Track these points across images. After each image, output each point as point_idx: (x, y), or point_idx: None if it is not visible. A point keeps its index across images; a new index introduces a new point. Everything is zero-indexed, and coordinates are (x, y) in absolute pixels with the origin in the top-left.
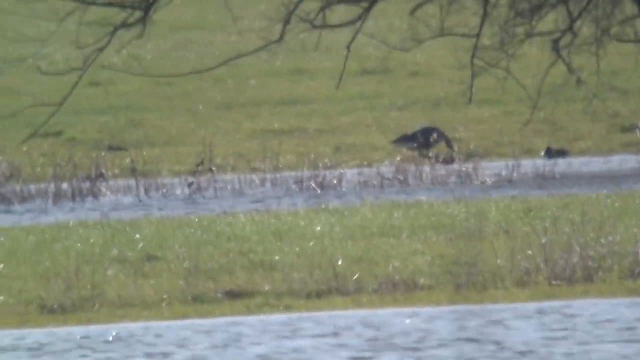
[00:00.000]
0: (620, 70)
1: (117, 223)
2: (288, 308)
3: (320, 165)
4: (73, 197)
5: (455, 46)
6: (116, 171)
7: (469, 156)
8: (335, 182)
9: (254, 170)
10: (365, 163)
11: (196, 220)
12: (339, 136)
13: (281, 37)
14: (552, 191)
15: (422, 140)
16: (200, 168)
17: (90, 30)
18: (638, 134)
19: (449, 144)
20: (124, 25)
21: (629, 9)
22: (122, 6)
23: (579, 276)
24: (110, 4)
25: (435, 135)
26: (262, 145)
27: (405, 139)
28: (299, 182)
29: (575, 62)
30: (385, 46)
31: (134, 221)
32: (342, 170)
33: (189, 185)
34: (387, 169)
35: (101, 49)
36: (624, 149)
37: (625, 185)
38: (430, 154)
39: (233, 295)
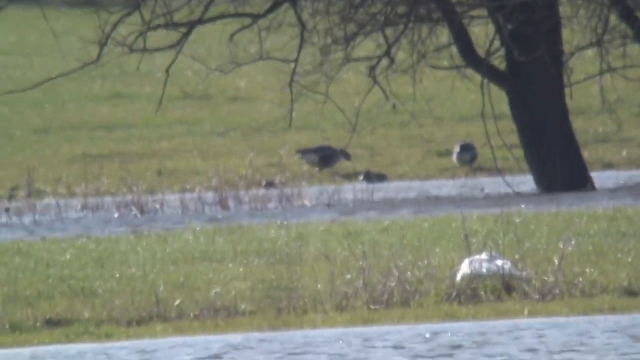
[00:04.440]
0: (435, 97)
1: None
2: (109, 336)
3: (141, 189)
4: None
5: (275, 72)
6: None
7: (290, 180)
8: (157, 206)
9: (74, 195)
10: (187, 187)
11: (14, 246)
12: (159, 161)
13: (97, 59)
14: (372, 215)
15: (321, 157)
16: (15, 193)
17: None
18: (454, 158)
19: (346, 156)
20: None
21: (444, 36)
22: None
23: (396, 300)
24: None
25: (335, 153)
26: (82, 170)
27: (307, 152)
28: (120, 207)
29: (392, 88)
30: (205, 69)
31: None
32: (163, 195)
33: (6, 211)
34: (209, 194)
35: None
36: (440, 174)
37: (442, 210)
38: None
39: (52, 323)
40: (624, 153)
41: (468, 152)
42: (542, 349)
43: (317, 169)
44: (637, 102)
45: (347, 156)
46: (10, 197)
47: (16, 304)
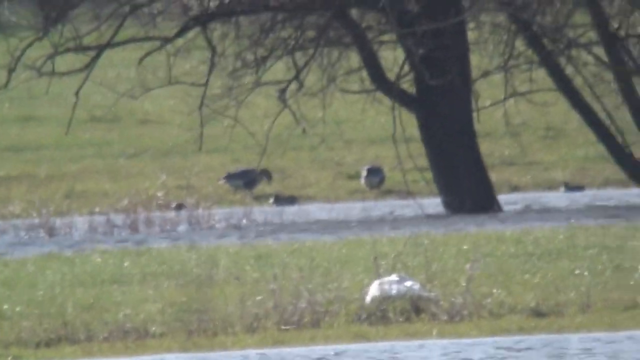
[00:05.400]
0: (346, 120)
1: None
2: (17, 358)
3: (50, 211)
4: None
5: (184, 95)
6: None
7: (200, 203)
8: (66, 229)
9: None
10: (96, 210)
11: None
12: (69, 183)
13: (7, 84)
14: (282, 238)
15: (246, 182)
16: None
17: None
18: (362, 181)
19: (268, 176)
20: None
21: (354, 59)
22: None
23: (307, 321)
24: None
25: (258, 175)
26: None
27: (232, 177)
28: (29, 229)
29: (302, 111)
30: (114, 94)
31: None
32: (72, 217)
33: None
34: (118, 217)
35: None
36: (349, 196)
37: (352, 232)
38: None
39: None
40: (530, 176)
41: (375, 176)
42: None
43: (235, 192)
44: (542, 126)
45: (269, 176)
46: None
47: None
